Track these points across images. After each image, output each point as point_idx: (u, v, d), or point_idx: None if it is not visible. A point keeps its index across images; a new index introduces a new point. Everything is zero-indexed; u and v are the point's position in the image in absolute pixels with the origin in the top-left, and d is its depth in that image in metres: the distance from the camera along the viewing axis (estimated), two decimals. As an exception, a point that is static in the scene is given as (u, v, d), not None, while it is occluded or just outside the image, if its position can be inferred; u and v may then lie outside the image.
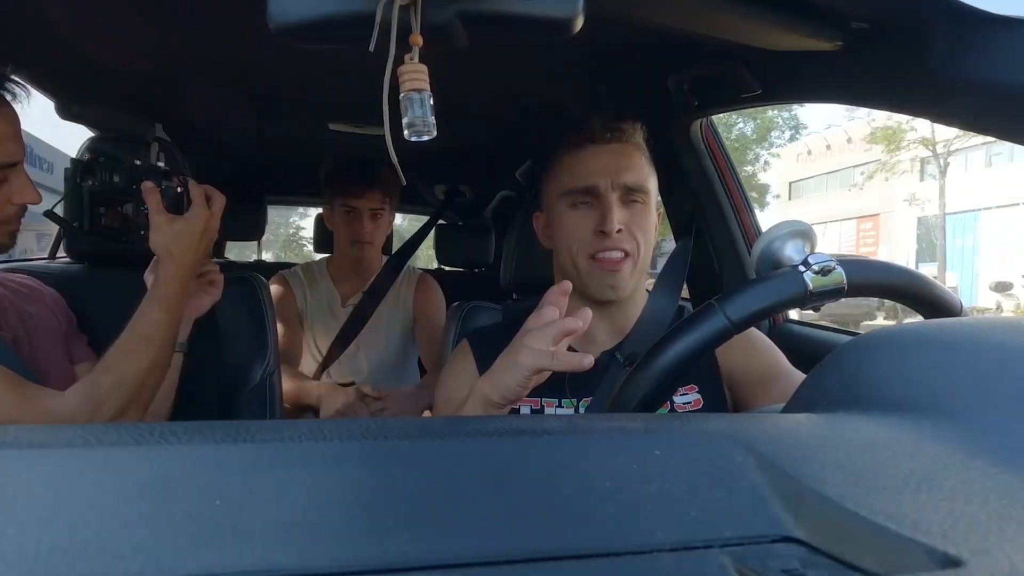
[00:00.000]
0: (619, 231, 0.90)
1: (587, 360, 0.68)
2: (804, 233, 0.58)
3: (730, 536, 0.22)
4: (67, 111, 0.93)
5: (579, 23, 0.61)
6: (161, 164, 0.92)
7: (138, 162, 0.91)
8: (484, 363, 0.97)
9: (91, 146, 1.22)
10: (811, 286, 0.53)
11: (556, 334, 0.69)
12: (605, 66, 1.20)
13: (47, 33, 1.02)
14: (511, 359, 0.71)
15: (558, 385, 0.93)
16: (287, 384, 1.51)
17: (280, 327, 1.58)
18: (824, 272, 0.53)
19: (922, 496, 0.23)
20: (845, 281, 0.53)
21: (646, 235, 0.94)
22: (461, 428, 0.29)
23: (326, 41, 0.64)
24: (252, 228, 2.56)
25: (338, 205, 1.65)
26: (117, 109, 1.14)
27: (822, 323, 1.52)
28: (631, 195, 0.93)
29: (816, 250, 0.57)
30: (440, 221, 2.48)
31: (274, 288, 1.68)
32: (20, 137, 0.86)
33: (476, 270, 2.60)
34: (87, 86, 1.35)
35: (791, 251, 0.56)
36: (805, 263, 0.54)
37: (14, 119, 0.86)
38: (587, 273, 0.93)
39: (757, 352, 0.95)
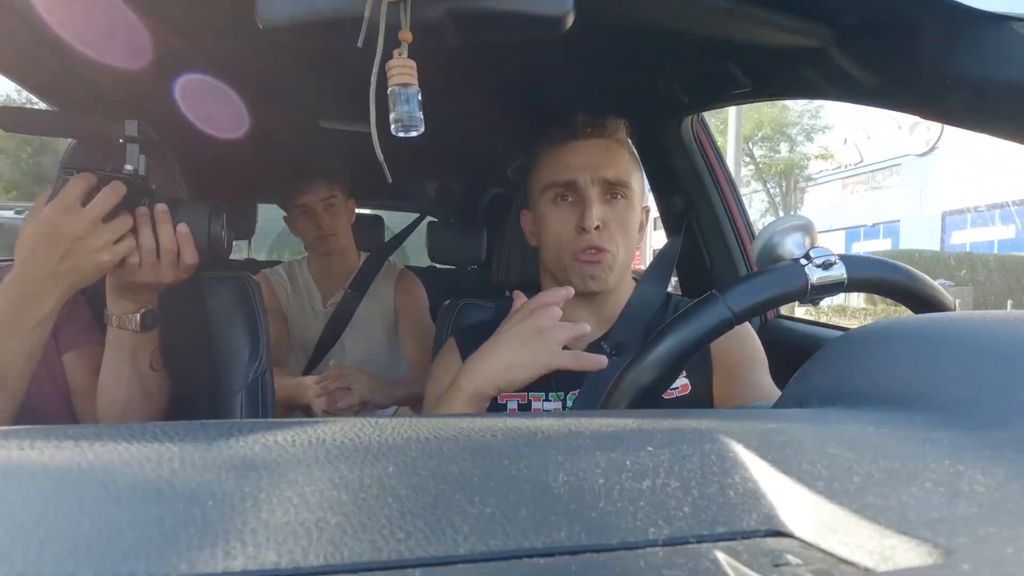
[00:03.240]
0: (597, 227, 0.90)
1: (604, 360, 0.71)
2: (805, 227, 0.58)
3: (723, 531, 0.22)
4: (4, 122, 0.82)
5: (569, 20, 0.61)
6: (130, 167, 0.80)
7: (131, 167, 0.80)
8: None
9: (70, 160, 1.18)
10: (812, 279, 0.53)
11: (570, 336, 0.73)
12: (595, 63, 1.20)
13: (34, 34, 1.01)
14: (529, 355, 0.73)
15: (544, 379, 0.94)
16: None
17: None
18: (825, 266, 0.53)
19: (913, 489, 0.24)
20: (846, 276, 0.54)
21: (627, 232, 0.94)
22: (453, 426, 0.29)
23: (315, 38, 0.64)
24: (243, 227, 2.54)
25: (292, 208, 1.66)
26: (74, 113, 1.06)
27: (813, 318, 1.53)
28: (612, 189, 0.93)
29: (814, 244, 0.58)
30: (432, 219, 2.48)
31: None
32: None
33: (468, 268, 2.60)
34: (74, 88, 1.34)
35: (791, 245, 0.57)
36: (807, 256, 0.54)
37: None
38: (570, 270, 0.94)
39: (749, 344, 0.95)
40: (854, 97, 0.90)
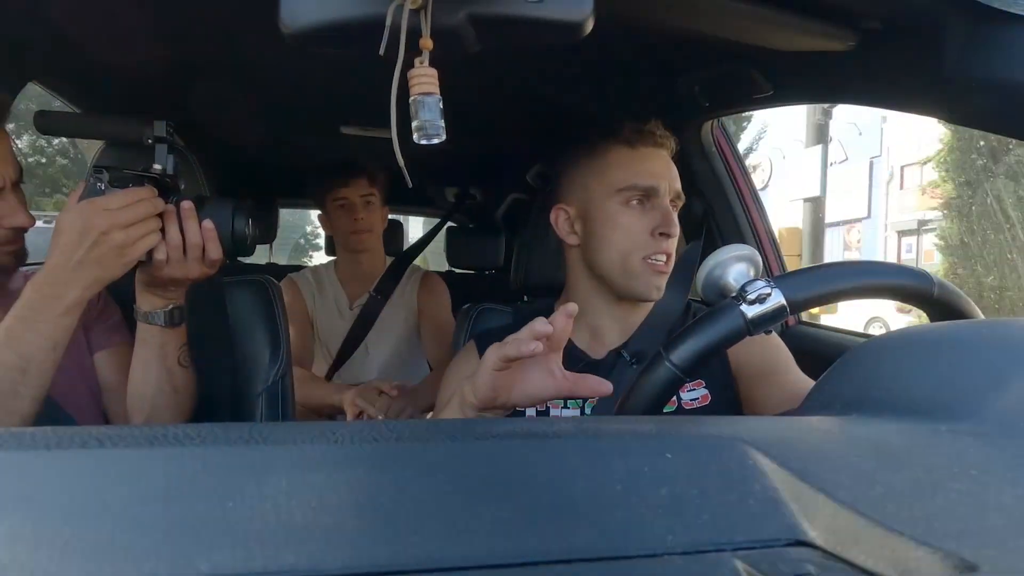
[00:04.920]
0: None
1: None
2: (746, 258, 0.58)
3: (742, 540, 0.22)
4: (43, 125, 0.85)
5: (589, 25, 0.61)
6: (158, 166, 0.83)
7: (159, 166, 0.83)
8: None
9: (100, 159, 1.21)
10: (749, 316, 0.52)
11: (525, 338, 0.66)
12: (615, 68, 1.20)
13: (62, 41, 1.03)
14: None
15: None
16: (306, 387, 1.52)
17: (292, 330, 1.59)
18: (760, 300, 0.52)
19: (937, 500, 0.23)
20: (784, 301, 0.53)
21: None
22: (471, 431, 0.29)
23: (337, 45, 0.64)
24: (264, 231, 2.57)
25: (330, 201, 1.69)
26: (100, 115, 1.10)
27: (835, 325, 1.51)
28: (675, 202, 0.95)
29: (758, 274, 0.57)
30: (451, 223, 2.49)
31: (284, 290, 1.70)
32: (4, 162, 0.82)
33: (486, 272, 2.60)
34: (101, 92, 1.36)
35: (734, 277, 0.57)
36: (741, 294, 0.53)
37: None
38: (636, 273, 0.93)
39: (769, 348, 0.94)
40: (877, 101, 0.89)
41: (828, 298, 0.55)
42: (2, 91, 0.92)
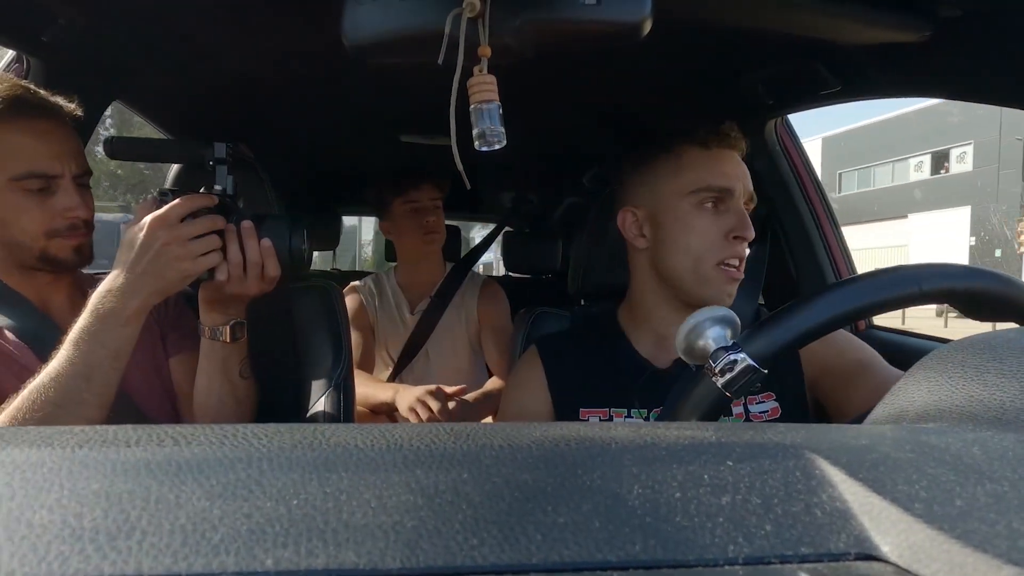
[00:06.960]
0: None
1: None
2: (721, 319, 0.57)
3: (808, 552, 0.21)
4: (112, 151, 0.88)
5: (647, 27, 0.61)
6: (219, 187, 0.86)
7: (220, 187, 0.87)
8: (552, 370, 0.96)
9: (173, 182, 1.27)
10: (721, 383, 0.53)
11: None
12: (674, 68, 1.18)
13: (143, 63, 1.09)
14: None
15: (627, 395, 0.92)
16: (362, 388, 1.56)
17: (354, 337, 1.64)
18: (730, 367, 0.53)
19: (1023, 516, 0.22)
20: (751, 362, 0.53)
21: None
22: (527, 434, 0.29)
23: (398, 56, 0.66)
24: (327, 238, 2.65)
25: (399, 205, 1.74)
26: (163, 141, 1.14)
27: (910, 329, 1.44)
28: (748, 204, 0.93)
29: (736, 333, 0.57)
30: (507, 228, 2.51)
31: (347, 299, 1.75)
32: (67, 156, 0.87)
33: (543, 277, 2.60)
34: (178, 109, 1.44)
35: (711, 339, 0.57)
36: (710, 365, 0.54)
37: (57, 138, 0.87)
38: (708, 279, 0.89)
39: (845, 350, 0.90)
40: (952, 93, 0.85)
41: (799, 341, 0.55)
42: (88, 108, 0.98)
